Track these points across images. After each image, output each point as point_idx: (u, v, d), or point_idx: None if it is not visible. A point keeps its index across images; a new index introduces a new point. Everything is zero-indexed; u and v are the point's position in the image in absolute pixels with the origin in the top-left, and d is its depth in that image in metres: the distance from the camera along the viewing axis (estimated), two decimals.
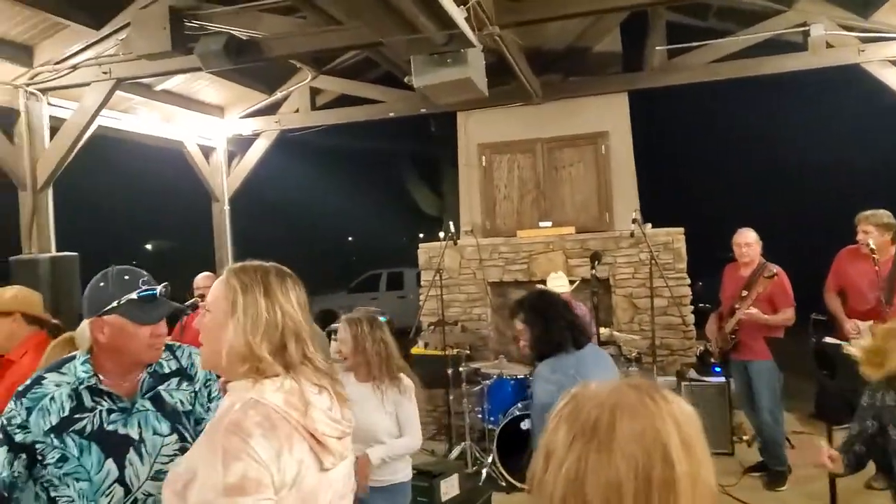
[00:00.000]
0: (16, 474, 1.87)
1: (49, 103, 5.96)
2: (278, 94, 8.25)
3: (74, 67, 5.67)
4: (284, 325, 1.62)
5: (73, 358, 2.02)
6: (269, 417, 1.52)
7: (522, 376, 6.05)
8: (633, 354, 6.10)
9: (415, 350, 7.39)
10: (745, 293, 5.27)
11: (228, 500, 1.41)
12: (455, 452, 6.00)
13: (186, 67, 5.61)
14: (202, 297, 5.42)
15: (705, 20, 7.53)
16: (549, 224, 7.50)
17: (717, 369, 6.19)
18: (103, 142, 7.06)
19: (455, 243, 6.23)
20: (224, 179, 8.66)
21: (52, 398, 1.91)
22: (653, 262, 6.27)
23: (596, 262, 5.04)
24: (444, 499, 3.48)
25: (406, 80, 3.68)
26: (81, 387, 1.95)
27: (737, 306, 5.29)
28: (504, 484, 5.43)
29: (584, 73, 7.43)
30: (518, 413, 5.55)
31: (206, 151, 8.51)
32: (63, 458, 1.88)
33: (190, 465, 1.51)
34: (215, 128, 8.40)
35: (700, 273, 7.29)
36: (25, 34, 5.55)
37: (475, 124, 7.88)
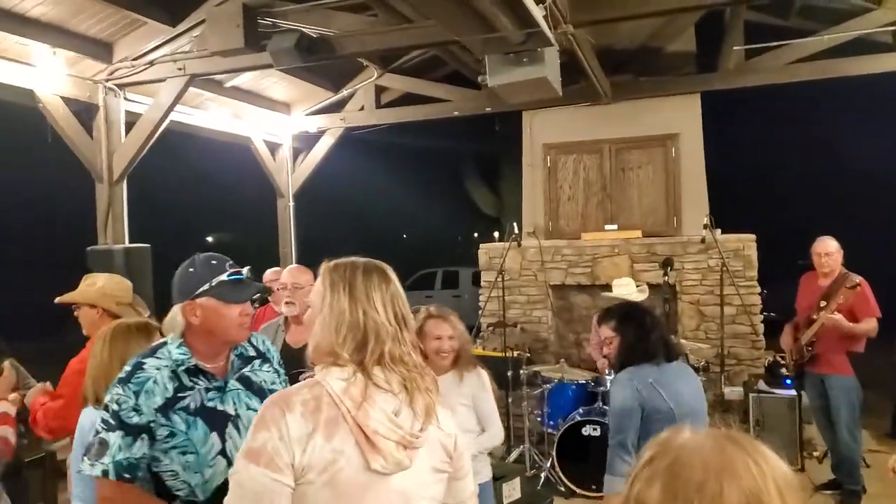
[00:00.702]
0: (138, 456, 1.98)
1: (126, 98, 6.12)
2: (344, 92, 8.30)
3: (151, 63, 5.81)
4: (366, 325, 1.63)
5: (165, 343, 2.13)
6: (319, 399, 1.55)
7: (583, 381, 5.95)
8: (701, 364, 5.92)
9: (474, 351, 7.33)
10: (823, 303, 5.04)
11: (242, 462, 1.51)
12: (514, 455, 5.93)
13: (258, 64, 5.68)
14: (270, 291, 5.51)
15: (787, 19, 7.24)
16: (614, 227, 7.34)
17: (788, 381, 5.94)
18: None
19: (519, 245, 6.14)
20: (289, 176, 8.77)
21: (155, 381, 2.03)
22: (724, 268, 6.06)
23: (668, 269, 4.88)
24: (505, 501, 3.42)
25: (480, 79, 3.62)
26: (180, 368, 2.08)
27: (814, 317, 5.06)
28: (563, 489, 5.35)
29: (656, 73, 7.24)
30: (579, 419, 5.45)
31: (272, 148, 8.63)
32: (171, 434, 2.02)
33: None
34: (282, 124, 8.51)
35: (766, 281, 7.04)
36: (105, 31, 5.71)
37: (541, 124, 7.77)
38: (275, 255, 8.79)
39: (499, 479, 3.42)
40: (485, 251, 7.62)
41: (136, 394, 1.99)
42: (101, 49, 5.79)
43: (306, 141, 8.95)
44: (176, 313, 2.11)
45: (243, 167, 9.54)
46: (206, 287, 2.09)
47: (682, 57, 7.30)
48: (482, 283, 7.66)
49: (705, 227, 5.93)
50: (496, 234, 7.25)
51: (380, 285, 1.69)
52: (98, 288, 3.26)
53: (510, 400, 6.40)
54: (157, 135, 6.03)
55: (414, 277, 19.45)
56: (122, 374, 2.04)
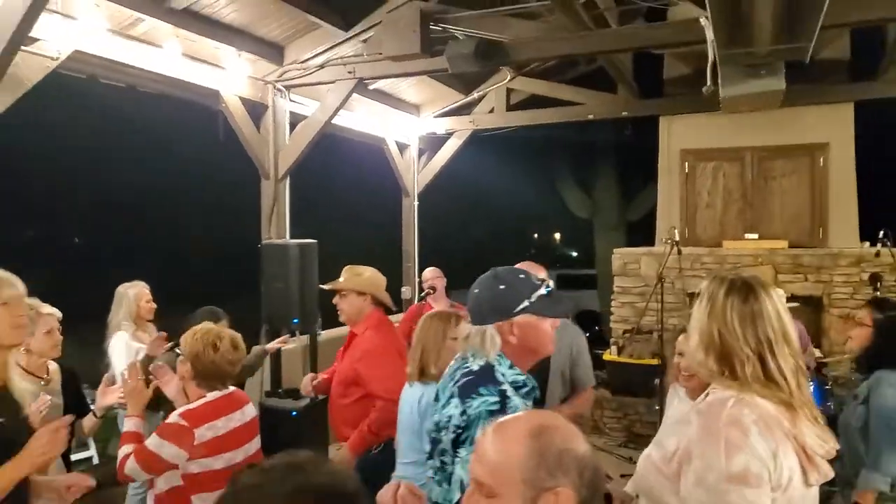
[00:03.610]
0: None
1: (290, 99, 6.33)
2: (475, 94, 8.37)
3: (322, 66, 5.98)
4: (723, 341, 1.70)
5: (492, 367, 2.00)
6: (764, 418, 1.59)
7: None
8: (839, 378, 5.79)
9: (606, 356, 7.34)
10: None
11: (733, 488, 1.52)
12: None
13: (429, 69, 5.80)
14: (433, 288, 5.64)
15: None
16: (755, 236, 7.25)
17: None
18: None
19: (679, 252, 6.12)
20: (415, 175, 8.90)
21: (517, 408, 1.92)
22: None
23: (878, 284, 4.79)
24: None
25: (704, 90, 3.62)
26: (521, 391, 2.00)
27: None
28: None
29: (805, 80, 7.07)
30: None
31: (401, 148, 8.77)
32: None
33: (685, 447, 1.63)
34: (411, 126, 8.65)
35: None
36: (282, 35, 5.90)
37: (679, 129, 7.71)
38: (397, 253, 8.95)
39: None
40: (619, 256, 7.62)
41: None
42: (274, 51, 5.99)
43: (430, 142, 9.08)
44: (492, 334, 2.00)
45: (367, 166, 9.73)
46: (525, 304, 2.01)
47: (835, 64, 7.13)
48: (615, 289, 7.65)
49: (880, 240, 5.75)
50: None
51: (743, 302, 1.72)
52: (366, 278, 3.42)
53: (657, 407, 6.40)
54: (319, 135, 6.23)
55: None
56: (495, 407, 1.90)
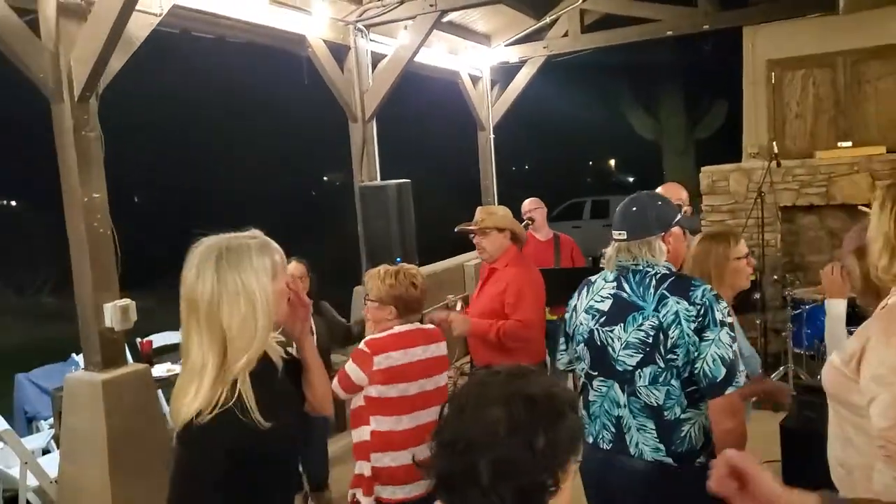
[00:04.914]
0: None
1: (371, 39, 6.34)
2: (547, 19, 8.19)
3: (401, 2, 5.95)
4: None
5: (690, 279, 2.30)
6: None
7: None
8: None
9: None
10: None
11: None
12: (776, 375, 5.96)
13: None
14: (532, 219, 5.70)
15: None
16: (848, 144, 7.01)
17: None
18: None
19: (778, 165, 6.00)
20: (490, 108, 8.86)
21: None
22: None
23: None
24: None
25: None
26: None
27: None
28: None
29: None
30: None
31: (474, 81, 8.70)
32: None
33: (863, 347, 1.69)
34: (482, 57, 8.55)
35: None
36: None
37: (764, 39, 7.41)
38: (476, 188, 9.00)
39: None
40: (707, 174, 7.46)
41: None
42: None
43: (501, 72, 8.98)
44: (657, 243, 2.26)
45: (439, 102, 9.71)
46: (678, 217, 2.32)
47: None
48: (704, 208, 7.55)
49: None
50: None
51: None
52: (503, 215, 3.52)
53: (758, 322, 6.41)
54: (402, 73, 6.25)
55: (561, 207, 19.35)
56: (714, 292, 2.20)
